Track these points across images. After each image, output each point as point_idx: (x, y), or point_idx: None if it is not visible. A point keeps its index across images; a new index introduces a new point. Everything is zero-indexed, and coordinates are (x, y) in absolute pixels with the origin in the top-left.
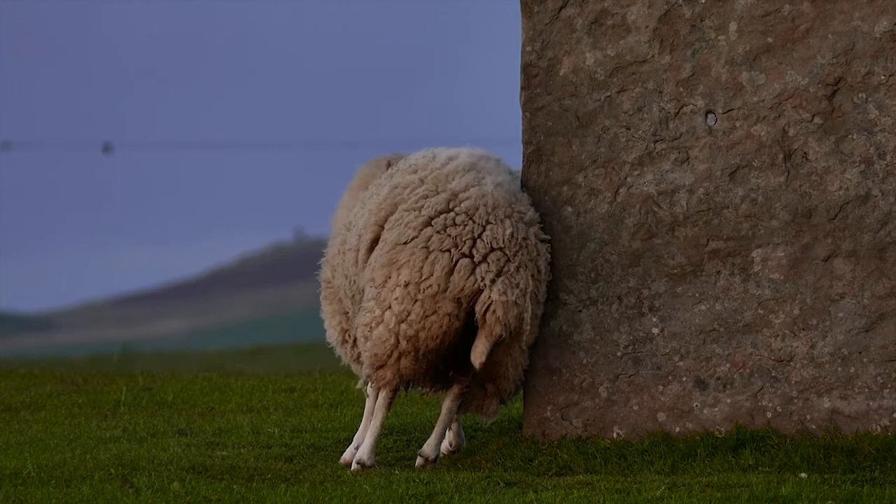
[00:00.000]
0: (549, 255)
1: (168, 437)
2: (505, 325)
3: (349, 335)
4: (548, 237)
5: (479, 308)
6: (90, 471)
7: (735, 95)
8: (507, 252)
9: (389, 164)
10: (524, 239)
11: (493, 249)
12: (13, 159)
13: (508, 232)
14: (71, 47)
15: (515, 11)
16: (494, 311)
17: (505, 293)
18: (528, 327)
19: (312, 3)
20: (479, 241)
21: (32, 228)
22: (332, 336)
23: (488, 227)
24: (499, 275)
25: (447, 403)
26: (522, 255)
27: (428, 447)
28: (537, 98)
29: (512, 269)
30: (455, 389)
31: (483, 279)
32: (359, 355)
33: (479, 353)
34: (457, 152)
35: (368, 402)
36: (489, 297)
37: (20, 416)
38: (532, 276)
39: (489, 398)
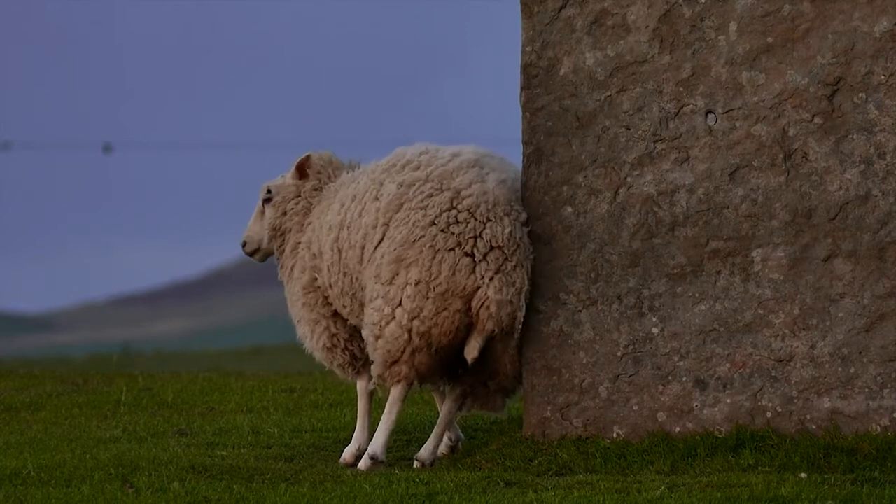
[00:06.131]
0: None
1: (168, 437)
2: (497, 321)
3: (338, 339)
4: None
5: (474, 304)
6: (90, 471)
7: (735, 95)
8: (506, 251)
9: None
10: (521, 238)
11: (492, 248)
12: (13, 159)
13: (508, 230)
14: (71, 47)
15: (515, 11)
16: (488, 308)
17: (501, 290)
18: (521, 325)
19: (313, 4)
20: (479, 239)
21: (32, 228)
22: (319, 342)
23: (488, 224)
24: (497, 273)
25: (447, 405)
26: (519, 254)
27: (425, 451)
28: (537, 98)
29: (509, 268)
30: (458, 390)
31: (483, 277)
32: (350, 359)
33: (471, 348)
34: (460, 149)
35: (361, 403)
36: (485, 293)
37: (20, 416)
38: (527, 274)
39: (493, 394)
